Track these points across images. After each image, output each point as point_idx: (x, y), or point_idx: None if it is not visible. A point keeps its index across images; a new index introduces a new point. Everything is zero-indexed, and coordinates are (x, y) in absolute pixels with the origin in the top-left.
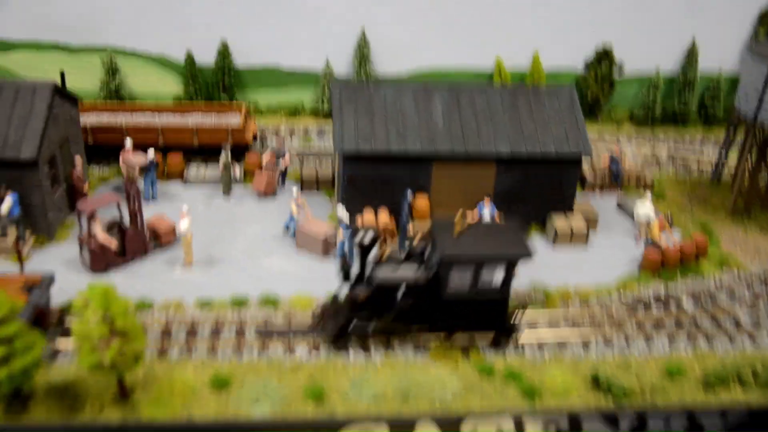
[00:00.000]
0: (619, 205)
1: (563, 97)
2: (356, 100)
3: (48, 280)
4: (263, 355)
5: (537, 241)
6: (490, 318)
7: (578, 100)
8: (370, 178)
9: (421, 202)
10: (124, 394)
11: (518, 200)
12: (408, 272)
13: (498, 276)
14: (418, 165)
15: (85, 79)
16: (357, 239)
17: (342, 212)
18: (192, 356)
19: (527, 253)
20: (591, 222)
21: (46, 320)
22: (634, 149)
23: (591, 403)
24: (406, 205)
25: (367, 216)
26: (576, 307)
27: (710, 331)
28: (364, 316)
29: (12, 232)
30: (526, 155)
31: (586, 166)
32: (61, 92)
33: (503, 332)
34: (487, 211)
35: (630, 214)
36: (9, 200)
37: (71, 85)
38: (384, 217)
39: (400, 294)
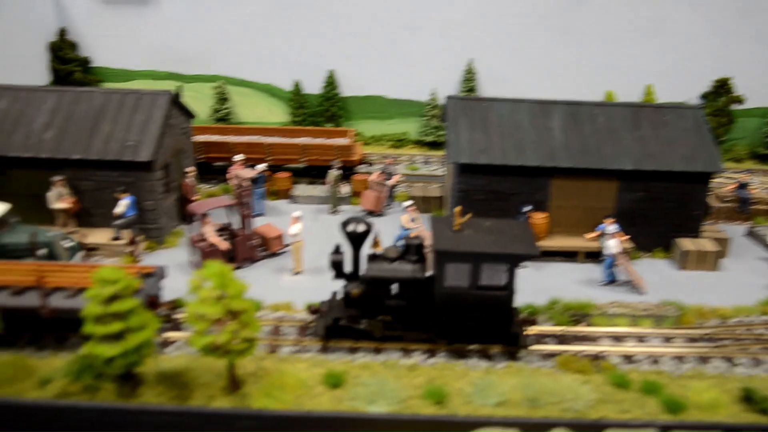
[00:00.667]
0: (750, 233)
1: (688, 117)
2: (471, 114)
3: (161, 272)
4: (378, 357)
5: (661, 264)
6: (492, 322)
7: (705, 120)
8: (484, 192)
9: (540, 218)
10: (234, 384)
11: (641, 220)
12: (403, 268)
13: (502, 276)
14: (536, 180)
15: (196, 107)
16: (348, 229)
17: None
18: (303, 354)
19: (532, 252)
20: (722, 245)
21: (157, 309)
22: (761, 180)
23: (744, 421)
24: (522, 219)
25: None
26: (715, 325)
27: None
28: (356, 313)
29: (126, 234)
30: (650, 171)
31: (709, 195)
32: (177, 103)
33: (507, 340)
34: (611, 229)
35: (763, 242)
36: (125, 202)
37: None
38: None
39: (394, 291)
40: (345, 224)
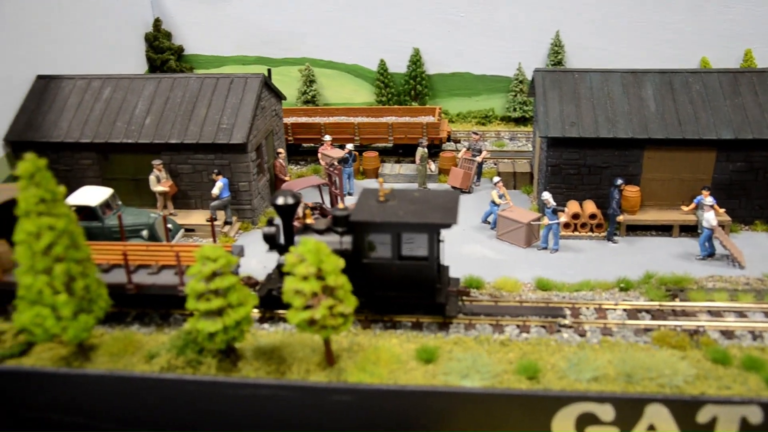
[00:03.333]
0: None
1: None
2: (560, 86)
3: (238, 251)
4: (470, 332)
5: (762, 237)
6: (417, 293)
7: None
8: (575, 167)
9: (632, 192)
10: (330, 359)
11: (740, 192)
12: (331, 240)
13: (423, 245)
14: (628, 152)
15: (284, 89)
16: (278, 202)
17: (548, 195)
18: (396, 330)
19: (449, 222)
20: None
21: None
22: None
23: None
24: (615, 192)
25: (572, 207)
26: None
27: None
28: None
29: (221, 215)
30: (751, 140)
31: None
32: (268, 86)
33: (433, 310)
34: (708, 201)
35: None
36: (220, 184)
37: None
38: (590, 208)
39: None
40: (275, 198)
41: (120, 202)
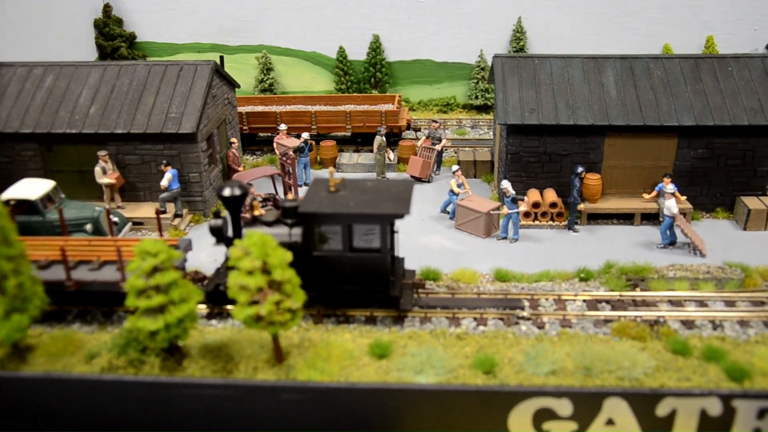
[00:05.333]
0: None
1: (755, 66)
2: (520, 72)
3: (186, 245)
4: (426, 326)
5: (723, 225)
6: (370, 286)
7: None
8: (535, 154)
9: (593, 180)
10: (279, 356)
11: (702, 179)
12: (280, 232)
13: (376, 236)
14: (589, 139)
15: (240, 78)
16: (225, 193)
17: (507, 184)
18: (349, 325)
19: (401, 212)
20: None
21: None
22: None
23: None
24: (576, 180)
25: (532, 195)
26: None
27: None
28: None
29: (171, 207)
30: (713, 126)
31: None
32: (220, 73)
33: (387, 303)
34: (669, 188)
35: None
36: (169, 175)
37: None
38: (551, 196)
39: None
40: (221, 189)
41: (63, 195)
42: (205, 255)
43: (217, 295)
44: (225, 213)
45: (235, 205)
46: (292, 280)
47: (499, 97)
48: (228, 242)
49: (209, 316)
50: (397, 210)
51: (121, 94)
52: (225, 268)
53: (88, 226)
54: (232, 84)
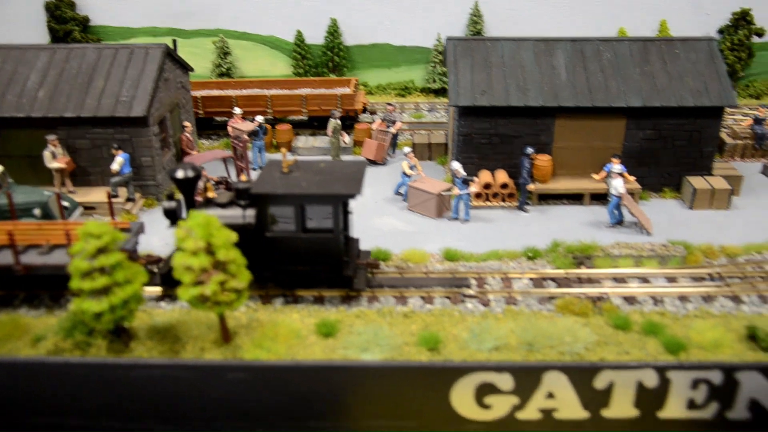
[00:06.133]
0: (765, 170)
1: (701, 49)
2: (472, 55)
3: (138, 228)
4: (373, 305)
5: (671, 204)
6: (323, 266)
7: (719, 51)
8: (487, 136)
9: (544, 160)
10: (226, 336)
11: (650, 159)
12: (233, 214)
13: (328, 217)
14: (539, 120)
15: (197, 62)
16: (178, 175)
17: (457, 165)
18: (297, 305)
19: (353, 192)
20: (734, 183)
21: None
22: None
23: (748, 360)
24: (526, 161)
25: (484, 176)
26: (723, 263)
27: None
28: None
29: (123, 192)
30: (660, 107)
31: (724, 132)
32: (172, 56)
33: (341, 283)
34: (616, 169)
35: None
36: (120, 159)
37: None
38: (502, 177)
39: None
40: (174, 171)
41: (11, 180)
42: (157, 239)
43: (171, 278)
44: (179, 195)
45: (188, 186)
46: (237, 260)
47: (451, 79)
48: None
49: (160, 298)
50: (348, 190)
51: (71, 78)
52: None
53: (37, 211)
54: (186, 68)
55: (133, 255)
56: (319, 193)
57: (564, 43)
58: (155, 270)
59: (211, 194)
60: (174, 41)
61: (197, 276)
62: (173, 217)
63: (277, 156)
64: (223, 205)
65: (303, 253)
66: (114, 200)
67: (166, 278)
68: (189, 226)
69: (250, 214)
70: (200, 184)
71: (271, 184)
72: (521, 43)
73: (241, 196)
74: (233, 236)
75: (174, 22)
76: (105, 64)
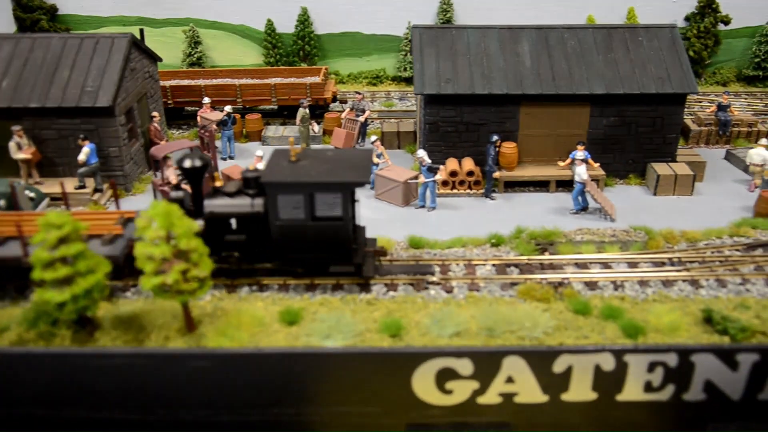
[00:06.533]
0: (729, 156)
1: (664, 36)
2: (438, 43)
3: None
4: (337, 293)
5: (635, 190)
6: (332, 253)
7: (681, 39)
8: (452, 124)
9: (509, 148)
10: (190, 325)
11: (615, 146)
12: (242, 203)
13: (337, 205)
14: (504, 108)
15: (168, 51)
16: (185, 165)
17: (423, 153)
18: (262, 293)
19: (362, 180)
20: (697, 169)
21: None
22: (744, 104)
23: (703, 343)
24: (492, 149)
25: (450, 164)
26: (683, 248)
27: None
28: None
29: (89, 183)
30: (623, 95)
31: (689, 119)
32: (138, 46)
33: (351, 269)
34: (580, 155)
35: (742, 166)
36: (87, 149)
37: None
38: (468, 165)
39: (234, 227)
40: (181, 161)
41: None
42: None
43: None
44: (185, 185)
45: (195, 176)
46: (199, 248)
47: (416, 67)
48: (189, 214)
49: (125, 288)
50: (358, 178)
51: (35, 68)
52: None
53: (2, 202)
54: (153, 58)
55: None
56: (330, 181)
57: (529, 31)
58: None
59: (218, 183)
60: (141, 31)
61: (159, 265)
62: (180, 206)
63: (247, 146)
64: (231, 194)
65: (312, 241)
66: (81, 191)
67: None
68: (150, 215)
69: (258, 202)
70: (167, 174)
71: (280, 173)
72: (486, 31)
73: (250, 184)
74: (195, 225)
75: (144, 11)
76: (70, 54)
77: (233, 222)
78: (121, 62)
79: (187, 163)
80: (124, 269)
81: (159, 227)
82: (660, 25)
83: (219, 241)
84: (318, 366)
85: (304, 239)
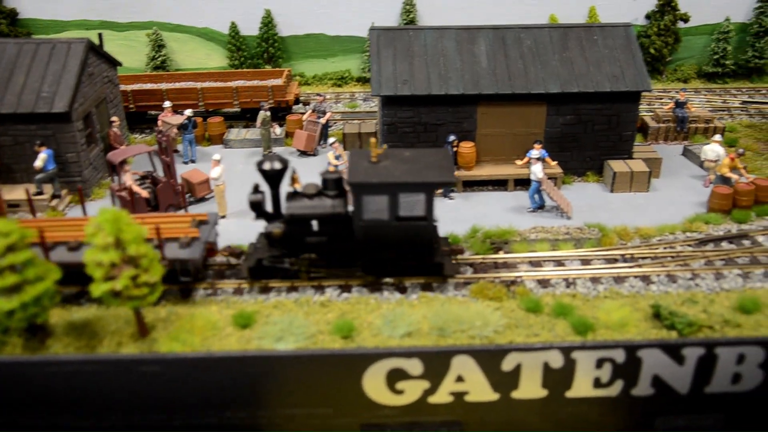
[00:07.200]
0: (686, 152)
1: (618, 35)
2: (395, 44)
3: (214, 218)
4: (291, 295)
5: (593, 187)
6: (415, 253)
7: (635, 37)
8: (410, 125)
9: (467, 148)
10: (143, 330)
11: (572, 144)
12: (323, 204)
13: (420, 205)
14: (461, 108)
15: (131, 55)
16: (265, 167)
17: None
18: (217, 297)
19: (447, 180)
20: (653, 166)
21: (214, 256)
22: (702, 101)
23: (651, 338)
24: (449, 149)
25: None
26: (636, 244)
27: None
28: (279, 253)
29: (47, 189)
30: (578, 93)
31: (648, 115)
32: (96, 51)
33: (431, 270)
34: (536, 154)
35: (698, 162)
36: (44, 155)
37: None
38: None
39: (315, 228)
40: (261, 163)
41: None
42: None
43: (260, 270)
44: (264, 187)
45: (274, 179)
46: (149, 254)
47: (374, 69)
48: (268, 217)
49: (78, 295)
50: (443, 178)
51: None
52: (265, 243)
53: None
54: (113, 62)
55: (213, 247)
56: (416, 181)
57: (486, 32)
58: (238, 262)
59: (297, 185)
60: (100, 36)
61: (108, 271)
62: (259, 209)
63: (212, 149)
64: (310, 196)
65: (395, 241)
66: (38, 197)
67: (254, 271)
68: (98, 222)
69: (339, 203)
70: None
71: (365, 174)
72: (444, 31)
73: (330, 186)
74: (144, 231)
75: (106, 15)
76: (25, 60)
77: (314, 224)
78: (78, 67)
79: (266, 166)
80: (201, 271)
81: (107, 233)
82: (615, 24)
83: (299, 243)
84: (269, 369)
85: (386, 239)
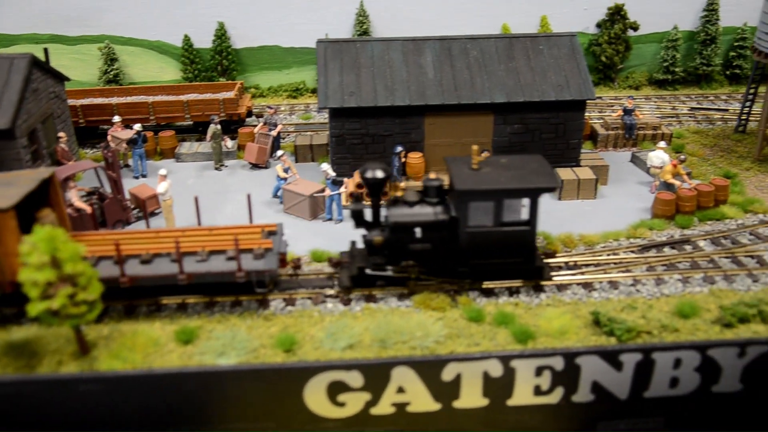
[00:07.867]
0: (633, 159)
1: (564, 45)
2: (342, 57)
3: (281, 227)
4: (235, 309)
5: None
6: (517, 258)
7: (580, 47)
8: (358, 136)
9: (416, 158)
10: (84, 348)
11: (520, 153)
12: (425, 211)
13: (523, 210)
14: (408, 119)
15: (83, 69)
16: (367, 175)
17: (326, 167)
18: (160, 313)
19: (552, 185)
20: (600, 173)
21: (285, 267)
22: (652, 107)
23: (590, 345)
24: (396, 160)
25: (357, 176)
26: (580, 251)
27: (730, 270)
28: (380, 261)
29: None
30: (524, 103)
31: (598, 123)
32: (41, 66)
33: (532, 274)
34: None
35: (645, 168)
36: None
37: (71, 75)
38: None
39: (417, 236)
40: (363, 171)
41: None
42: None
43: (363, 278)
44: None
45: (376, 188)
46: (87, 272)
47: (320, 81)
48: (368, 225)
49: (18, 315)
50: (548, 183)
51: None
52: (365, 251)
53: None
54: (59, 77)
55: (284, 258)
56: (522, 187)
57: (432, 42)
58: (340, 273)
59: (399, 193)
60: (45, 51)
61: (44, 290)
62: (359, 218)
63: (161, 163)
64: (411, 204)
65: (497, 246)
66: None
67: (356, 279)
68: (33, 241)
69: (440, 210)
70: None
71: (471, 181)
72: (390, 43)
73: (432, 193)
74: (81, 249)
75: (57, 29)
76: None
77: (417, 231)
78: (21, 83)
79: (368, 174)
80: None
81: (42, 252)
82: (560, 33)
83: (401, 250)
84: (209, 384)
85: (490, 245)
